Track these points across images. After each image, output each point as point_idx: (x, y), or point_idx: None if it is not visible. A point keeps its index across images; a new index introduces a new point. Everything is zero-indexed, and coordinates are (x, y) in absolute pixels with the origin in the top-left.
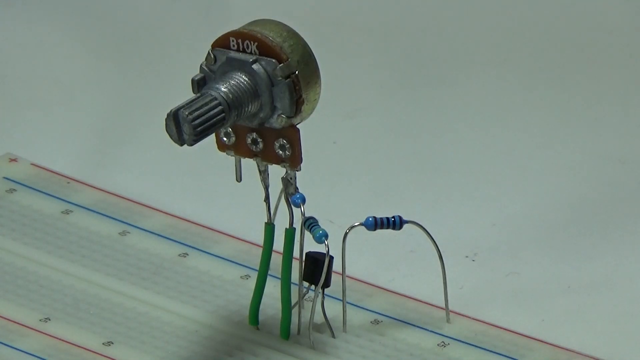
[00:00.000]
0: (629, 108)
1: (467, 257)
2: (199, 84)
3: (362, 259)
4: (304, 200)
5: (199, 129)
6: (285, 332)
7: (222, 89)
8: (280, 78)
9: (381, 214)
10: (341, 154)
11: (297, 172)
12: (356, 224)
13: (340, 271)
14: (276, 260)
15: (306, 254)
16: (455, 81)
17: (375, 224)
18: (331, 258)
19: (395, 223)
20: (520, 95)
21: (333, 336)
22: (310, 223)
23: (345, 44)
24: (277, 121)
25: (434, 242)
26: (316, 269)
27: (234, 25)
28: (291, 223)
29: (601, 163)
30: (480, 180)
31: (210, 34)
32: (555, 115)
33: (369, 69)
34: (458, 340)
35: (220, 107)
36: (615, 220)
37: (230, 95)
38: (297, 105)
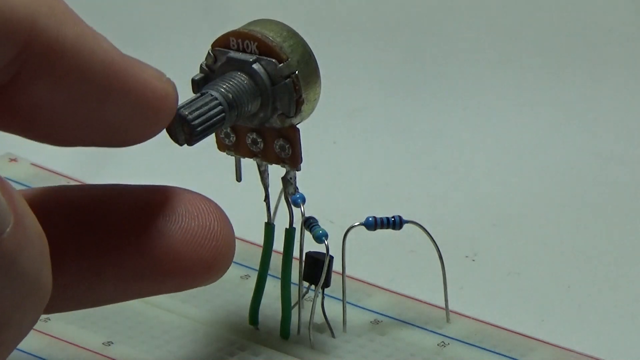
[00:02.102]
0: (629, 108)
1: (467, 257)
2: (199, 84)
3: (362, 259)
4: (304, 200)
5: (199, 128)
6: (285, 332)
7: (222, 89)
8: (280, 78)
9: (381, 214)
10: (341, 154)
11: (297, 172)
12: (356, 223)
13: (340, 271)
14: (276, 260)
15: (306, 253)
16: (455, 81)
17: (375, 223)
18: (331, 258)
19: (395, 223)
20: (520, 95)
21: (333, 336)
22: (310, 223)
23: (345, 44)
24: (277, 121)
25: (434, 242)
26: (316, 268)
27: (234, 25)
28: (291, 223)
29: (601, 163)
30: (480, 180)
31: (210, 34)
32: (555, 115)
33: (369, 69)
34: (458, 340)
35: (220, 107)
36: (616, 220)
37: (230, 95)
38: (297, 105)
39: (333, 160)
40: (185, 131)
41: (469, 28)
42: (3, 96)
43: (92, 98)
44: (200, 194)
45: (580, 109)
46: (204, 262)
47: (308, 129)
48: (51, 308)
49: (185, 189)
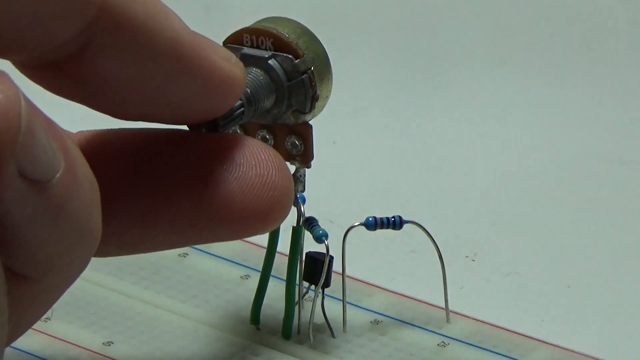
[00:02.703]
0: (629, 108)
1: (467, 257)
2: None
3: (362, 259)
4: (304, 200)
5: (221, 123)
6: (287, 332)
7: None
8: (296, 74)
9: (381, 214)
10: (341, 154)
11: (306, 169)
12: (356, 223)
13: (340, 271)
14: (277, 260)
15: (306, 253)
16: (455, 81)
17: (375, 223)
18: (331, 258)
19: (395, 223)
20: (520, 95)
21: (333, 336)
22: (310, 223)
23: (346, 43)
24: (291, 117)
25: (434, 242)
26: (316, 268)
27: (234, 25)
28: (299, 221)
29: (601, 163)
30: (480, 180)
31: (211, 34)
32: (555, 115)
33: (369, 68)
34: (458, 340)
35: (239, 102)
36: (616, 220)
37: (249, 90)
38: (312, 102)
39: (333, 160)
40: (207, 125)
41: (470, 28)
42: (71, 66)
43: (158, 76)
44: (261, 142)
45: (581, 110)
46: (260, 211)
47: None
48: (106, 252)
49: (246, 137)
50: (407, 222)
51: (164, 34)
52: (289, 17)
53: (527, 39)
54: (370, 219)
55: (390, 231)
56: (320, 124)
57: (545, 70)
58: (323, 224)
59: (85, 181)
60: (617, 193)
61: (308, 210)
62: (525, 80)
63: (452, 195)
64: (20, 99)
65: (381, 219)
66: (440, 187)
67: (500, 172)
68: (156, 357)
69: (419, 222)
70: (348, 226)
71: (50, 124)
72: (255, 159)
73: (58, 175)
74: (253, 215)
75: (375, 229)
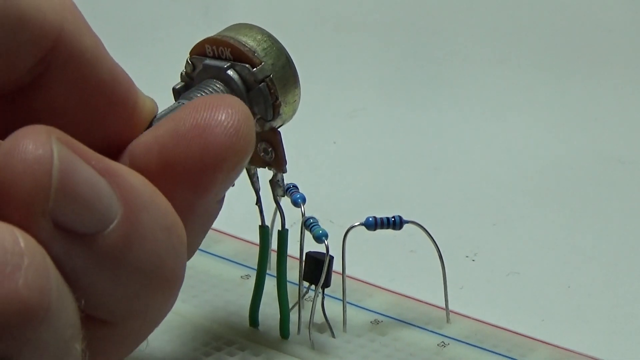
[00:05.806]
0: (629, 108)
1: (467, 257)
2: (180, 93)
3: (362, 259)
4: (304, 200)
5: None
6: (285, 333)
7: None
8: (254, 83)
9: (381, 214)
10: (341, 154)
11: (284, 173)
12: (356, 223)
13: (340, 271)
14: (275, 260)
15: (306, 253)
16: (455, 81)
17: (375, 223)
18: (331, 258)
19: (396, 223)
20: (520, 95)
21: (333, 336)
22: (310, 223)
23: (345, 44)
24: (257, 125)
25: (434, 242)
26: (316, 268)
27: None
28: (283, 225)
29: (601, 163)
30: (480, 180)
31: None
32: (555, 114)
33: (369, 69)
34: (458, 340)
35: None
36: (616, 220)
37: None
38: (274, 109)
39: (333, 160)
40: None
41: (469, 28)
42: (21, 98)
43: (100, 106)
44: (223, 95)
45: (580, 109)
46: (197, 157)
47: (308, 129)
48: None
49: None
50: (407, 222)
51: (106, 67)
52: (286, 18)
53: (526, 39)
54: (370, 219)
55: (390, 231)
56: (320, 124)
57: (544, 70)
58: (323, 224)
59: (157, 226)
60: (616, 193)
61: (308, 210)
62: (525, 81)
63: (452, 195)
64: (53, 157)
65: (381, 219)
66: (440, 187)
67: (501, 171)
68: (156, 357)
69: (419, 222)
70: (348, 226)
71: (110, 170)
72: (194, 108)
73: (113, 225)
74: (193, 163)
75: (375, 229)
